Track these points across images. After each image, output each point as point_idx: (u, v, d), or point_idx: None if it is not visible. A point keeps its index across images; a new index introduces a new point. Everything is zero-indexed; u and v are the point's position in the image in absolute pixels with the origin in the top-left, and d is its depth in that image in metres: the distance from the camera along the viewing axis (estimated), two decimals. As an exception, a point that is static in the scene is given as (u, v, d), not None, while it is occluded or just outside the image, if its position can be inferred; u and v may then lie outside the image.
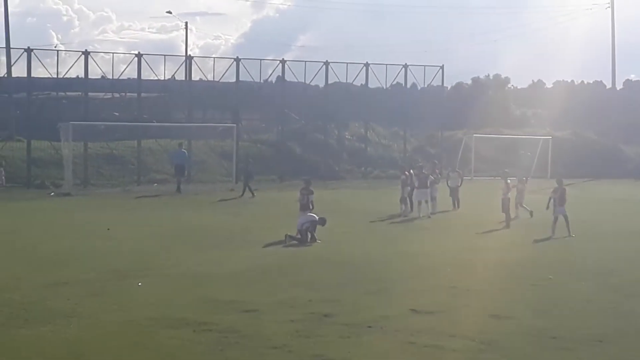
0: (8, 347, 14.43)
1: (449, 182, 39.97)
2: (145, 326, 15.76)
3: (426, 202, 36.69)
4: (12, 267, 21.91)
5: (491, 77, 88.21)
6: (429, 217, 35.91)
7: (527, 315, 17.07)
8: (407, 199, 36.71)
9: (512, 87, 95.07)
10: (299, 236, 27.70)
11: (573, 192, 38.13)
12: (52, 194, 44.06)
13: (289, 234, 27.60)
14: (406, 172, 37.64)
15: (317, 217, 28.33)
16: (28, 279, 20.14)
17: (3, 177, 47.26)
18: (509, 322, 16.49)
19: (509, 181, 33.65)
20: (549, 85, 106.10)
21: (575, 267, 23.41)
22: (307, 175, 37.06)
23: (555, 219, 30.13)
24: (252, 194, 44.14)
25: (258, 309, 17.09)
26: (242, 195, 43.77)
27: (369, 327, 15.84)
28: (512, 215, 33.65)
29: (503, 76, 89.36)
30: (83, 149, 50.17)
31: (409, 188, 36.79)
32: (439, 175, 39.79)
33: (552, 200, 30.90)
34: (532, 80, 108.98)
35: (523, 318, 16.83)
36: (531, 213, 34.66)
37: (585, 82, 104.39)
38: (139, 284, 19.82)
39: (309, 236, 27.69)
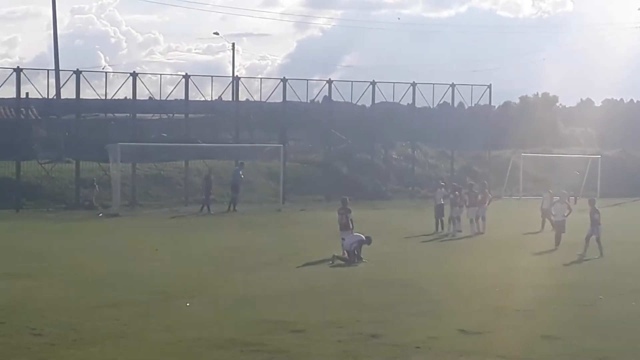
0: (58, 367, 14.52)
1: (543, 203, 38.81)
2: (193, 347, 15.78)
3: (477, 220, 36.66)
4: (62, 289, 22.04)
5: (539, 96, 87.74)
6: (480, 234, 35.94)
7: (577, 336, 16.90)
8: (456, 219, 36.59)
9: (560, 106, 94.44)
10: (346, 256, 27.65)
11: (621, 211, 37.89)
12: (101, 214, 44.34)
13: (336, 254, 27.57)
14: (456, 192, 37.57)
15: (363, 237, 28.25)
16: (77, 300, 20.26)
17: (93, 197, 47.76)
18: (559, 343, 16.34)
19: (567, 201, 33.22)
20: (597, 103, 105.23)
21: (626, 287, 23.12)
22: (351, 196, 37.11)
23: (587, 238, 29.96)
24: (232, 207, 46.33)
25: (306, 330, 17.07)
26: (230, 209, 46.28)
27: (417, 347, 15.76)
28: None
29: (551, 94, 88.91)
30: (131, 170, 50.44)
31: (457, 207, 36.71)
32: (489, 195, 39.53)
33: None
34: (581, 99, 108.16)
35: (573, 339, 16.67)
36: None
37: (635, 101, 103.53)
38: (187, 304, 19.88)
39: (356, 256, 27.63)
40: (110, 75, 63.32)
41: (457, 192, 37.56)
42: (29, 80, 49.87)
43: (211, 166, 52.49)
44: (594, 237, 29.81)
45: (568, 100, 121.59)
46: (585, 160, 62.83)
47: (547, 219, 36.71)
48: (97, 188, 47.99)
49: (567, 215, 31.91)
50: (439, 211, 37.48)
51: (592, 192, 57.22)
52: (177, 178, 52.98)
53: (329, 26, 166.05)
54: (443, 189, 38.75)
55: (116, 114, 56.61)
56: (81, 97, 51.57)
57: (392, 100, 59.87)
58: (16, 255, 28.06)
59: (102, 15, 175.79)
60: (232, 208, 46.56)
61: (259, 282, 23.25)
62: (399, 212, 47.05)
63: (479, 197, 37.83)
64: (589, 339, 16.72)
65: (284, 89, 55.25)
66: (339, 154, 59.82)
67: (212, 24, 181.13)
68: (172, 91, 55.38)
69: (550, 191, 37.87)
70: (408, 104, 60.82)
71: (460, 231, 36.20)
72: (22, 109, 52.99)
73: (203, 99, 56.50)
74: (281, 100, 56.14)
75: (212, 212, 45.59)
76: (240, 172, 48.77)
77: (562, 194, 34.11)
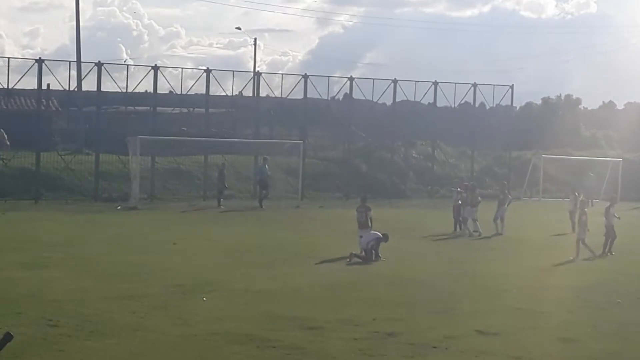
0: (74, 359, 14.53)
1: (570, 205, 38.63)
2: (210, 341, 15.79)
3: (496, 220, 36.61)
4: (79, 280, 22.09)
5: (562, 98, 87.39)
6: (500, 235, 35.90)
7: (594, 339, 16.83)
8: (471, 219, 36.49)
9: (582, 108, 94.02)
10: (363, 254, 27.61)
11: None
12: (119, 207, 44.41)
13: (353, 252, 27.54)
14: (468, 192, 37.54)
15: (380, 234, 28.20)
16: (94, 292, 20.30)
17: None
18: (576, 346, 16.28)
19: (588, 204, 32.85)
20: (620, 106, 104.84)
21: (644, 291, 23.03)
22: (369, 194, 37.07)
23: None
24: (260, 204, 46.18)
25: (322, 327, 17.05)
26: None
27: (434, 347, 15.73)
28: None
29: (574, 97, 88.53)
30: (150, 163, 50.50)
31: (469, 207, 36.61)
32: (509, 196, 39.45)
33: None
34: (603, 102, 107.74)
35: (590, 342, 16.61)
36: None
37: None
38: (204, 298, 19.89)
39: (373, 254, 27.59)
40: (132, 68, 63.69)
41: (469, 192, 37.53)
42: (50, 71, 49.98)
43: (230, 161, 52.51)
44: (582, 239, 29.82)
45: (591, 102, 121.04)
46: (606, 163, 62.59)
47: (571, 220, 36.64)
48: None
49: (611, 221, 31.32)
50: (457, 211, 37.39)
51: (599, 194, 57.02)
52: (196, 172, 53.01)
53: (350, 23, 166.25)
54: (459, 189, 38.59)
55: (137, 107, 56.78)
56: (102, 89, 51.60)
57: (413, 99, 59.69)
58: (34, 246, 28.11)
59: (125, 8, 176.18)
60: (261, 205, 46.41)
61: (277, 278, 23.23)
62: (417, 211, 46.98)
63: (500, 197, 37.86)
64: (605, 341, 16.65)
65: (305, 86, 55.21)
66: (359, 152, 59.73)
67: (234, 19, 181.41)
68: (192, 85, 55.73)
69: (576, 193, 37.71)
70: (429, 102, 60.72)
71: (477, 232, 36.08)
72: (43, 100, 53.18)
73: (224, 93, 56.55)
74: (302, 96, 56.08)
75: (222, 206, 45.62)
76: (267, 167, 48.78)
77: (613, 198, 33.24)
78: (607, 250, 30.44)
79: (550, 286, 23.42)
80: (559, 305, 20.50)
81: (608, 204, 31.78)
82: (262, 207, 45.90)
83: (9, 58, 50.80)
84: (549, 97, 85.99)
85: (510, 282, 23.57)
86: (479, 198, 38.03)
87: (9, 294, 19.58)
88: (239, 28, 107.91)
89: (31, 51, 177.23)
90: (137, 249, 28.51)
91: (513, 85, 61.61)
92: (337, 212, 43.09)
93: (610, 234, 30.68)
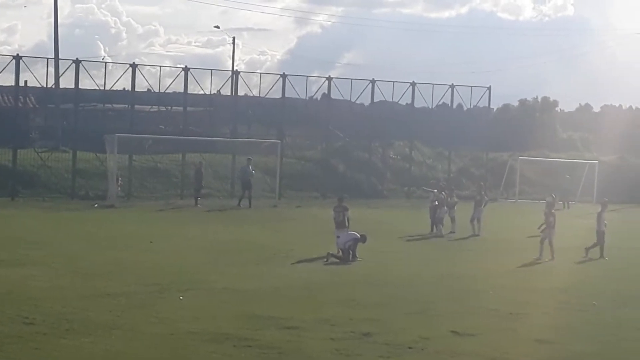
0: (49, 357, 14.51)
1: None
2: (186, 340, 15.79)
3: (472, 221, 36.78)
4: (56, 278, 22.05)
5: (539, 100, 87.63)
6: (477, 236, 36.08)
7: (570, 341, 16.93)
8: (440, 220, 36.69)
9: (559, 110, 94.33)
10: (340, 254, 27.65)
11: (615, 217, 37.91)
12: (96, 205, 44.28)
13: (330, 252, 27.56)
14: (444, 192, 37.73)
15: (358, 235, 28.23)
16: (71, 290, 20.27)
17: (119, 188, 47.77)
18: (552, 347, 16.37)
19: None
20: (596, 109, 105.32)
21: (620, 293, 23.14)
22: (347, 194, 37.11)
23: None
24: (249, 203, 46.31)
25: (299, 326, 17.08)
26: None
27: (410, 347, 15.79)
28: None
29: (551, 99, 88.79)
30: (128, 162, 50.41)
31: (445, 208, 36.80)
32: (486, 197, 39.60)
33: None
34: (580, 104, 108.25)
35: (566, 343, 16.70)
36: None
37: (634, 107, 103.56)
38: (181, 297, 19.88)
39: (351, 254, 27.62)
40: (110, 66, 63.43)
41: (444, 193, 37.76)
42: (28, 68, 49.78)
43: (208, 160, 52.46)
44: (547, 240, 29.98)
45: (567, 104, 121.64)
46: (582, 165, 62.85)
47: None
48: (119, 182, 48.01)
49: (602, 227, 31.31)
50: (433, 212, 37.47)
51: (588, 197, 57.31)
52: (173, 171, 52.93)
53: (329, 23, 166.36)
54: (435, 191, 38.66)
55: (114, 105, 56.62)
56: (80, 86, 51.44)
57: (391, 100, 59.81)
58: (11, 244, 28.01)
59: (103, 6, 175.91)
60: (247, 204, 46.36)
61: (254, 277, 23.26)
62: (395, 212, 47.07)
63: (477, 198, 38.05)
64: (582, 343, 16.74)
65: (283, 85, 55.18)
66: (337, 152, 59.77)
67: (212, 17, 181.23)
68: (171, 83, 55.45)
69: (553, 195, 37.83)
70: (407, 103, 60.82)
71: (453, 232, 36.31)
72: (21, 97, 52.90)
73: (202, 92, 56.52)
74: (280, 96, 56.06)
75: (199, 205, 45.61)
76: (250, 168, 48.75)
77: (604, 202, 32.75)
78: (602, 254, 30.51)
79: (526, 288, 23.50)
80: (535, 306, 20.60)
81: (600, 209, 31.82)
82: (246, 206, 45.84)
83: (-15, 54, 50.67)
84: (526, 99, 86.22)
85: (486, 283, 23.65)
86: (456, 199, 38.24)
87: (-16, 292, 19.52)
88: (217, 27, 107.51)
89: (8, 47, 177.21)
90: (114, 247, 28.45)
91: (490, 86, 61.72)
92: (314, 212, 43.10)
93: (600, 239, 30.72)
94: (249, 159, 49.65)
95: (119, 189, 47.68)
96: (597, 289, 23.57)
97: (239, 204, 46.43)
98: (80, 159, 49.51)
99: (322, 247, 28.29)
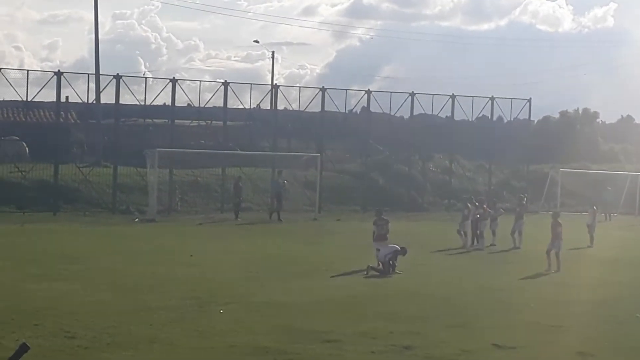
0: (90, 370, 14.55)
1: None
2: (226, 353, 15.79)
3: (519, 234, 36.62)
4: (97, 292, 22.14)
5: (579, 111, 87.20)
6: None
7: (611, 354, 16.76)
8: (481, 233, 36.53)
9: (600, 122, 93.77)
10: (380, 267, 27.57)
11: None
12: (137, 219, 44.52)
13: (370, 265, 27.50)
14: (484, 207, 37.58)
15: (398, 247, 28.15)
16: (112, 304, 20.34)
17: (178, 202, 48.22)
18: (594, 360, 16.20)
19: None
20: (638, 120, 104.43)
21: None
22: (387, 207, 37.03)
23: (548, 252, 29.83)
24: (277, 217, 46.56)
25: (339, 340, 17.02)
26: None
27: (451, 360, 15.69)
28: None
29: (592, 110, 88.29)
30: (168, 176, 50.64)
31: (486, 222, 36.66)
32: (526, 207, 39.45)
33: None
34: (621, 115, 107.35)
35: (607, 356, 16.53)
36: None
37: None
38: (221, 311, 19.88)
39: (391, 267, 27.54)
40: (150, 81, 63.86)
41: (484, 207, 37.59)
42: (69, 84, 50.33)
43: (248, 174, 52.61)
44: (553, 251, 29.70)
45: (608, 116, 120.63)
46: (624, 177, 62.38)
47: (589, 234, 36.91)
48: (178, 195, 48.36)
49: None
50: (474, 226, 37.28)
51: (630, 209, 56.80)
52: (213, 185, 53.12)
53: (367, 36, 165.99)
54: (470, 205, 38.44)
55: (155, 120, 56.90)
56: (120, 102, 51.86)
57: (430, 112, 59.68)
58: (52, 258, 28.24)
59: (143, 21, 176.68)
60: (276, 217, 46.53)
61: (294, 291, 23.22)
62: (435, 225, 46.90)
63: (517, 210, 37.91)
64: (623, 356, 16.58)
65: (323, 99, 55.28)
66: (376, 165, 59.77)
67: (251, 32, 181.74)
68: (210, 98, 55.69)
69: (595, 207, 37.59)
70: (447, 116, 60.71)
71: (494, 244, 36.16)
72: (62, 113, 53.34)
73: (241, 106, 56.76)
74: (319, 109, 56.15)
75: (239, 219, 45.74)
76: (283, 181, 48.91)
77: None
78: None
79: (568, 300, 23.31)
80: (577, 319, 20.43)
81: None
82: (275, 220, 46.01)
83: (27, 70, 51.24)
84: (566, 111, 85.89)
85: (527, 296, 23.50)
86: (501, 210, 38.09)
87: (26, 306, 19.62)
88: (257, 41, 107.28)
89: (50, 64, 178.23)
90: (154, 261, 28.54)
91: (531, 98, 61.56)
92: (354, 225, 43.05)
93: None
94: (280, 171, 49.78)
95: (179, 202, 48.10)
96: (638, 302, 23.33)
97: (270, 217, 46.61)
98: (121, 174, 49.84)
99: (362, 260, 28.25)
